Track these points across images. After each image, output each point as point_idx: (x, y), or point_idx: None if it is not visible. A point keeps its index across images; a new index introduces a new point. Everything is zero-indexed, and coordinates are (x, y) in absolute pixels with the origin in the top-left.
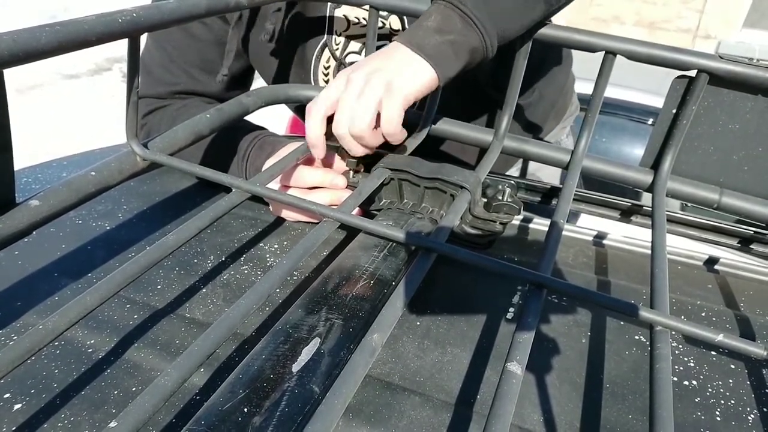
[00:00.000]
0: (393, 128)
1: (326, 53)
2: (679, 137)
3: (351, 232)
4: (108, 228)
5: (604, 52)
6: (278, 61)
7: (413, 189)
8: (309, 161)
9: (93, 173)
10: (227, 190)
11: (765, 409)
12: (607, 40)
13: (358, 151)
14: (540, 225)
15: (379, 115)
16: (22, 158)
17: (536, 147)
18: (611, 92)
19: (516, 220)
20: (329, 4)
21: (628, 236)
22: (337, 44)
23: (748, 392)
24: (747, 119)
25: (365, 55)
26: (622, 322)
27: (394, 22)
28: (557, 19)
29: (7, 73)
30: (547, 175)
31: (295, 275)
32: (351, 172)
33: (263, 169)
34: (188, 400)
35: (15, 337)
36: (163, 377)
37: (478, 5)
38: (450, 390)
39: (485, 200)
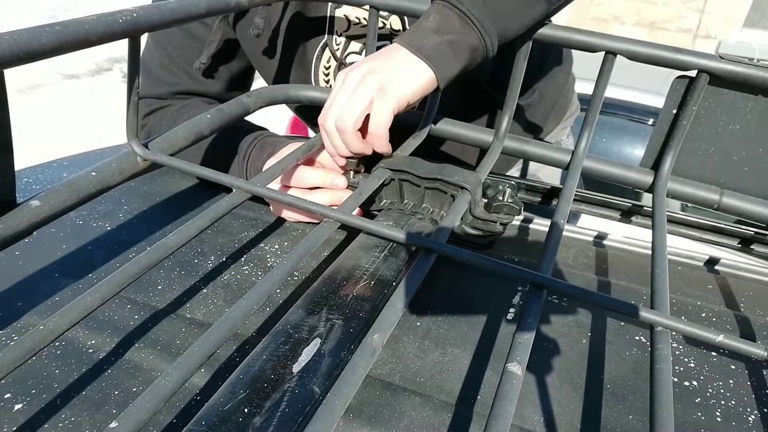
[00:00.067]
0: (379, 130)
1: (327, 53)
2: (679, 137)
3: (351, 232)
4: (108, 228)
5: (604, 53)
6: (279, 62)
7: (414, 189)
8: (309, 161)
9: (93, 173)
10: (228, 190)
11: (765, 410)
12: (607, 40)
13: (343, 150)
14: (540, 225)
15: (368, 117)
16: (22, 158)
17: (536, 147)
18: (611, 92)
19: (516, 221)
20: (330, 4)
21: (628, 237)
22: (337, 44)
23: (748, 393)
24: (747, 119)
25: (365, 56)
26: (622, 323)
27: (394, 22)
28: (557, 19)
29: (8, 73)
30: (547, 176)
31: (295, 276)
32: (351, 173)
33: (264, 169)
34: (189, 401)
35: (16, 338)
36: (164, 377)
37: (476, 4)
38: (450, 390)
39: (486, 201)
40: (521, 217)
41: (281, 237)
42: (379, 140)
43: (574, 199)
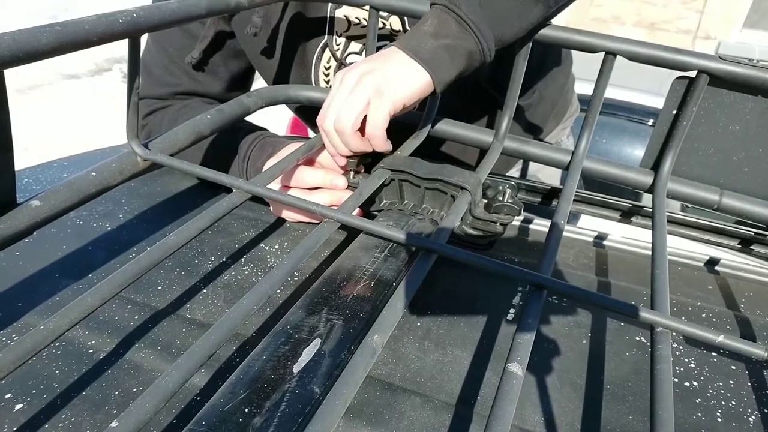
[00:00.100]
0: (376, 131)
1: (327, 54)
2: (679, 138)
3: (351, 232)
4: (109, 228)
5: (604, 53)
6: (279, 62)
7: (414, 190)
8: (309, 162)
9: (94, 174)
10: (228, 190)
11: (766, 410)
12: (607, 41)
13: (343, 149)
14: (540, 226)
15: (365, 118)
16: (22, 158)
17: (537, 148)
18: (611, 93)
19: (516, 221)
20: (329, 4)
21: (628, 237)
22: (337, 45)
23: (748, 393)
24: (747, 120)
25: (365, 56)
26: (622, 323)
27: (394, 22)
28: (557, 19)
29: (8, 73)
30: (547, 176)
31: (295, 276)
32: (351, 173)
33: (264, 169)
34: (189, 401)
35: (16, 338)
36: (164, 378)
37: (474, 9)
38: (450, 391)
39: (486, 201)
40: (521, 218)
41: (281, 237)
42: (377, 140)
43: (574, 200)
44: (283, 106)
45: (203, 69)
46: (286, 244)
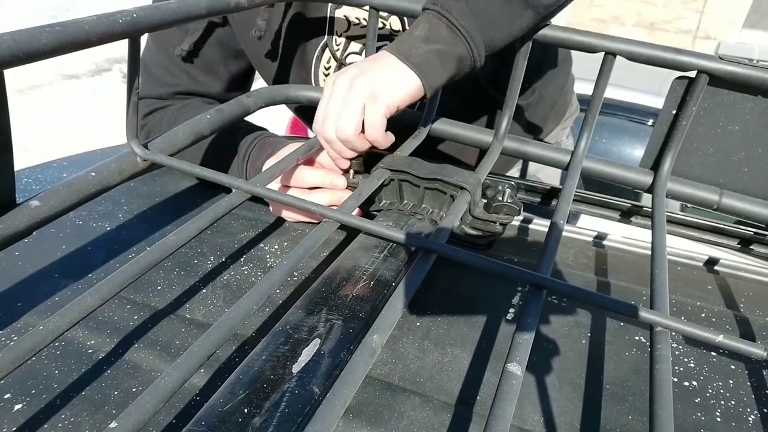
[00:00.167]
0: (376, 134)
1: (327, 54)
2: (678, 138)
3: (351, 232)
4: (108, 228)
5: (604, 53)
6: (278, 62)
7: (413, 190)
8: (309, 162)
9: (93, 174)
10: (227, 190)
11: (765, 410)
12: (607, 41)
13: (348, 154)
14: (540, 226)
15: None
16: (22, 158)
17: (536, 148)
18: (611, 93)
19: (516, 221)
20: (329, 4)
21: (628, 237)
22: (337, 45)
23: (748, 393)
24: (747, 120)
25: (365, 56)
26: (622, 323)
27: (394, 22)
28: (557, 19)
29: (7, 73)
30: (547, 176)
31: (295, 276)
32: (351, 173)
33: (263, 169)
34: (188, 401)
35: (15, 338)
36: (164, 378)
37: (465, 15)
38: (450, 391)
39: (485, 201)
40: (521, 218)
41: (281, 237)
42: (378, 140)
43: (574, 200)
44: (283, 106)
45: (203, 69)
46: (285, 244)
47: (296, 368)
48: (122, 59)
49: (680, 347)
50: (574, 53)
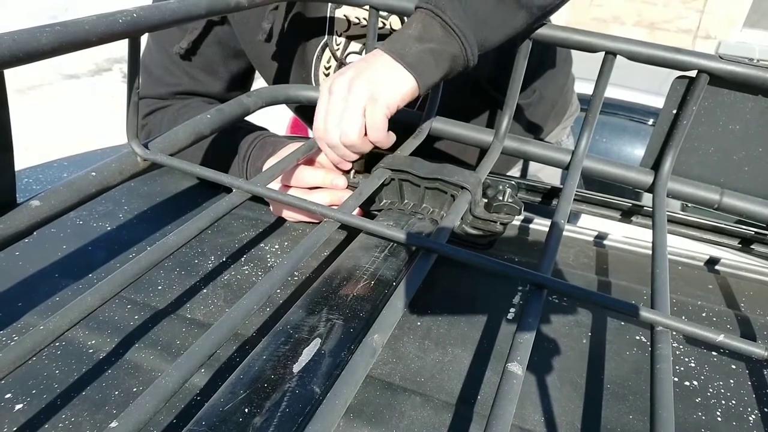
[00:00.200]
0: (379, 135)
1: (327, 53)
2: (679, 138)
3: (351, 232)
4: (109, 228)
5: (604, 53)
6: (279, 62)
7: (414, 189)
8: (309, 161)
9: (93, 174)
10: (228, 190)
11: (766, 410)
12: (607, 41)
13: (352, 157)
14: (540, 225)
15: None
16: (22, 158)
17: (537, 147)
18: (611, 92)
19: (516, 221)
20: (329, 4)
21: (628, 237)
22: (337, 44)
23: (749, 393)
24: (747, 119)
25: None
26: (622, 323)
27: (394, 22)
28: (557, 19)
29: (7, 73)
30: (547, 176)
31: (295, 276)
32: (352, 173)
33: (264, 169)
34: (189, 401)
35: (16, 338)
36: (164, 378)
37: (458, 14)
38: (451, 390)
39: (486, 201)
40: (521, 217)
41: (281, 237)
42: (380, 140)
43: (575, 199)
44: (283, 106)
45: (203, 68)
46: (286, 243)
47: (297, 368)
48: (122, 59)
49: (681, 347)
50: (574, 53)
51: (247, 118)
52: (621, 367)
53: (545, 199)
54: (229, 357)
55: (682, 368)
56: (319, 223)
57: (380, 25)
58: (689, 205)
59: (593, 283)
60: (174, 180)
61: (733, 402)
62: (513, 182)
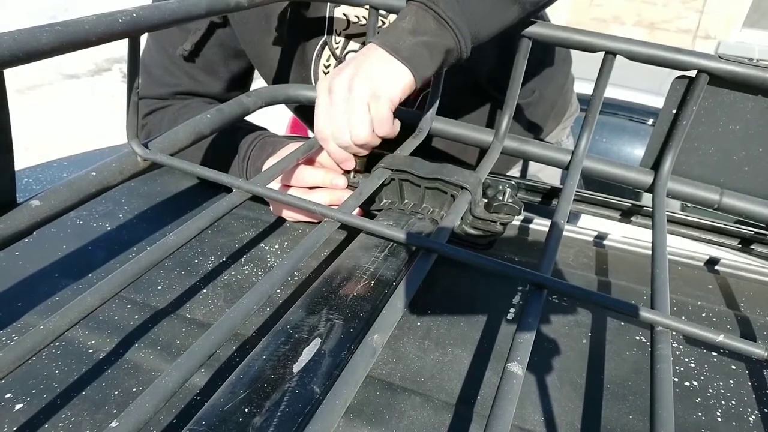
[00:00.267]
0: (386, 129)
1: (326, 52)
2: (679, 138)
3: (351, 232)
4: (109, 228)
5: (604, 53)
6: (278, 61)
7: (414, 189)
8: (309, 161)
9: (94, 173)
10: (228, 190)
11: (766, 410)
12: (607, 41)
13: (361, 152)
14: (540, 225)
15: None
16: (23, 158)
17: (537, 147)
18: (611, 92)
19: (516, 221)
20: (329, 4)
21: (628, 237)
22: (336, 43)
23: (748, 393)
24: (747, 119)
25: None
26: (622, 323)
27: (393, 20)
28: (556, 19)
29: (8, 73)
30: (547, 176)
31: (295, 275)
32: (352, 173)
33: (264, 169)
34: (189, 401)
35: (16, 338)
36: (164, 377)
37: (452, 7)
38: (451, 390)
39: (486, 201)
40: (521, 217)
41: (281, 237)
42: (388, 133)
43: (574, 199)
44: (283, 106)
45: (203, 68)
46: (286, 243)
47: (297, 368)
48: (122, 59)
49: (681, 347)
50: (574, 53)
51: (247, 118)
52: (621, 367)
53: (545, 199)
54: (229, 357)
55: (682, 368)
56: (319, 223)
57: (380, 24)
58: (689, 205)
59: (593, 283)
60: (174, 180)
61: (733, 402)
62: (513, 182)
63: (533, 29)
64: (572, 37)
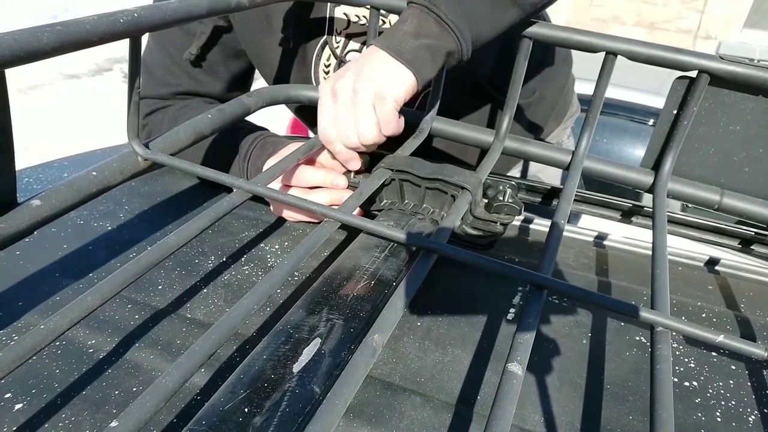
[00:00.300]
0: (392, 128)
1: (326, 51)
2: (679, 138)
3: (352, 232)
4: (109, 228)
5: (604, 53)
6: (279, 61)
7: (414, 189)
8: (310, 161)
9: (94, 173)
10: (228, 190)
11: (765, 410)
12: (607, 41)
13: (369, 150)
14: (541, 226)
15: None
16: (23, 158)
17: (537, 148)
18: (612, 93)
19: (517, 221)
20: (329, 4)
21: (628, 237)
22: (337, 43)
23: (748, 393)
24: (748, 120)
25: None
26: (622, 323)
27: (394, 20)
28: (556, 19)
29: (8, 72)
30: (548, 177)
31: (296, 275)
32: (352, 173)
33: (264, 169)
34: (189, 400)
35: (16, 337)
36: (164, 377)
37: (453, 10)
38: (451, 390)
39: (486, 201)
40: (522, 218)
41: (282, 237)
42: (394, 131)
43: (575, 200)
44: (283, 106)
45: (204, 69)
46: (286, 243)
47: (297, 368)
48: (123, 59)
49: (681, 347)
50: (574, 53)
51: (247, 118)
52: (621, 368)
53: (545, 200)
54: (229, 357)
55: (682, 369)
56: (319, 223)
57: (380, 23)
58: (689, 205)
59: (593, 284)
60: (174, 180)
61: (733, 402)
62: (513, 182)
63: (533, 29)
64: (572, 37)
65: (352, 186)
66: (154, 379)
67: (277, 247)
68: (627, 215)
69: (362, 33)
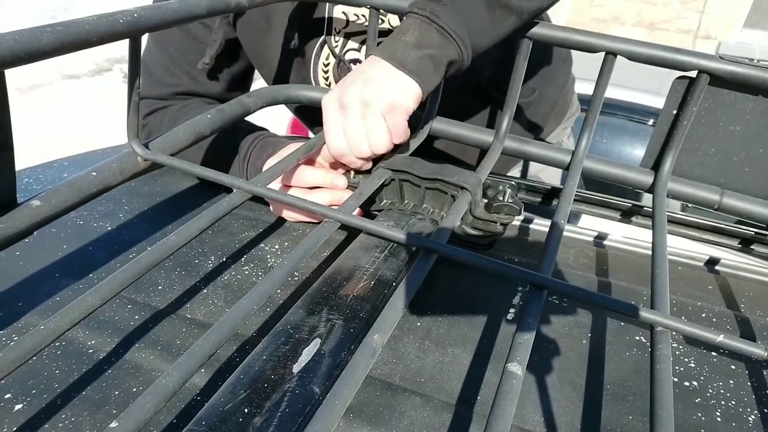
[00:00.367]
0: (402, 137)
1: (325, 51)
2: (679, 138)
3: (352, 232)
4: (109, 228)
5: (604, 53)
6: (278, 61)
7: (414, 190)
8: (310, 161)
9: (94, 173)
10: (228, 190)
11: (765, 410)
12: (607, 41)
13: (379, 155)
14: (541, 226)
15: None
16: (23, 158)
17: (537, 148)
18: (612, 93)
19: (517, 221)
20: (328, 4)
21: (628, 237)
22: (336, 42)
23: (748, 393)
24: (747, 120)
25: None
26: (622, 323)
27: (393, 19)
28: (556, 19)
29: (8, 72)
30: (548, 177)
31: (295, 276)
32: (352, 173)
33: (264, 169)
34: (189, 401)
35: (16, 338)
36: (164, 378)
37: (453, 20)
38: (451, 391)
39: (486, 201)
40: (521, 218)
41: (281, 237)
42: (403, 141)
43: (575, 200)
44: (283, 107)
45: (204, 70)
46: (286, 244)
47: (297, 368)
48: (123, 59)
49: (681, 347)
50: (574, 53)
51: (247, 119)
52: (621, 368)
53: (545, 200)
54: (229, 357)
55: (682, 368)
56: (319, 223)
57: (380, 23)
58: (689, 205)
59: (593, 284)
60: (174, 180)
61: (733, 402)
62: (513, 182)
63: (533, 30)
64: (572, 37)
65: (351, 186)
66: (154, 379)
67: (277, 247)
68: (627, 215)
69: (361, 32)
